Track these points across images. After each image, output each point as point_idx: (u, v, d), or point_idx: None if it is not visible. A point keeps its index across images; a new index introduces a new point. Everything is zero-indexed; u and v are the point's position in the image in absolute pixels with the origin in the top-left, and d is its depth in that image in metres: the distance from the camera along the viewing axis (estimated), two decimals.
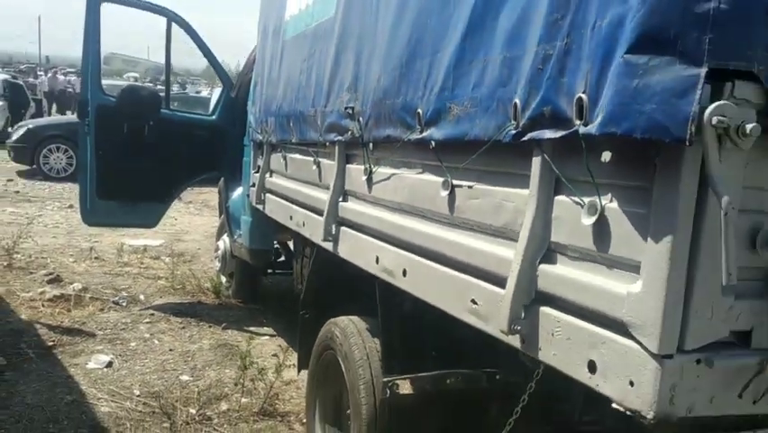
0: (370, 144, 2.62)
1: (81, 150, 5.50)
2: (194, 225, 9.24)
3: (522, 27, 1.65)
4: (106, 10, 5.23)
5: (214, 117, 5.92)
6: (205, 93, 24.67)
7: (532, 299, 1.64)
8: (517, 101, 1.62)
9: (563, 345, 1.54)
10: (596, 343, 1.43)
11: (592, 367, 1.44)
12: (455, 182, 2.00)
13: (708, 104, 1.19)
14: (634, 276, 1.35)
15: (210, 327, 5.13)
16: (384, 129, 2.41)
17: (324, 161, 3.22)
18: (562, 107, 1.47)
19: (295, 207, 3.64)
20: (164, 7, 5.71)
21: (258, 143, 4.49)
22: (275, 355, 4.27)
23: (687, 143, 1.19)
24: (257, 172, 4.49)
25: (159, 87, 14.96)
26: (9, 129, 15.61)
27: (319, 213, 3.09)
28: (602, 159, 1.43)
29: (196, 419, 3.66)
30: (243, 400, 3.89)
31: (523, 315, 1.65)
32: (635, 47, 1.27)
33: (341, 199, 2.96)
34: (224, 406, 3.85)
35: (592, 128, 1.36)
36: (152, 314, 5.35)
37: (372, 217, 2.61)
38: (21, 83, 21.16)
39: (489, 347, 2.00)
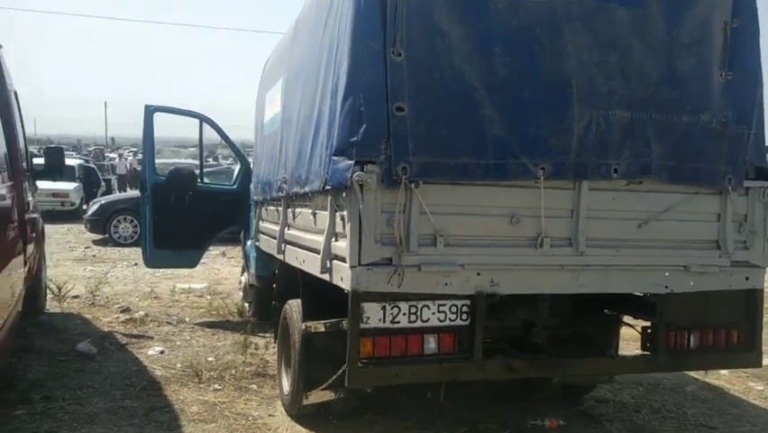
0: (291, 196, 4.85)
1: (141, 215, 7.87)
2: (232, 273, 11.51)
3: (301, 145, 3.89)
4: (158, 116, 7.68)
5: (235, 186, 8.25)
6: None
7: (329, 258, 3.79)
8: (304, 176, 3.91)
9: (334, 271, 3.68)
10: (335, 265, 3.57)
11: (330, 273, 3.58)
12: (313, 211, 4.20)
13: (354, 173, 3.35)
14: (345, 240, 3.49)
15: (232, 333, 7.30)
16: (292, 188, 4.63)
17: (278, 207, 5.45)
18: (312, 178, 3.71)
19: (269, 238, 5.86)
20: (197, 112, 8.14)
21: (255, 202, 6.78)
22: (267, 341, 6.43)
23: (348, 187, 3.36)
24: (256, 221, 6.77)
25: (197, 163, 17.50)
26: (84, 206, 18.48)
27: (276, 238, 5.30)
28: (342, 194, 3.58)
29: (215, 376, 5.80)
30: (246, 368, 6.03)
31: (328, 265, 3.80)
32: (335, 152, 3.46)
33: (286, 229, 5.16)
34: (233, 372, 5.98)
35: (327, 185, 3.54)
36: (193, 327, 7.58)
37: (295, 236, 4.79)
38: (93, 166, 24.44)
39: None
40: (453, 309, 3.66)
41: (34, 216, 6.96)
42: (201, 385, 5.59)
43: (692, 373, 6.38)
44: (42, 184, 16.62)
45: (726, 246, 4.05)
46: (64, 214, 19.05)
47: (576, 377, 4.76)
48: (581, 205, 3.77)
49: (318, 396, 4.41)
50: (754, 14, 4.11)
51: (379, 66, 3.41)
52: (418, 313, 3.60)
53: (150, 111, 7.63)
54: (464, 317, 3.69)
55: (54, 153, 7.41)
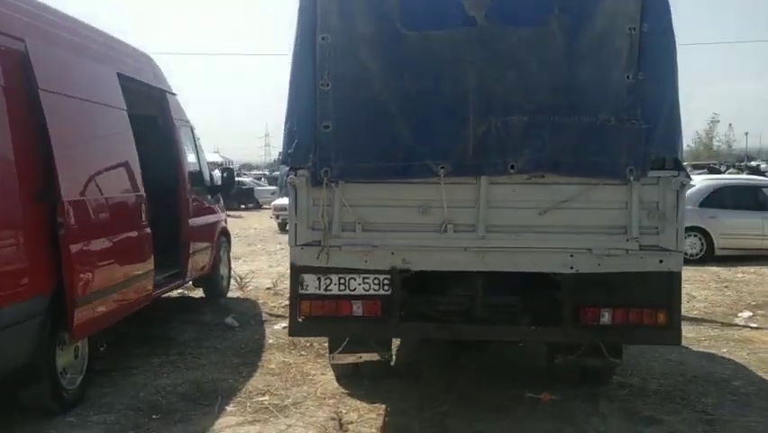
0: None
1: None
2: None
3: None
4: None
5: None
6: None
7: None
8: None
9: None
10: (292, 248, 4.77)
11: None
12: None
13: (288, 176, 4.56)
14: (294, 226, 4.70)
15: None
16: None
17: None
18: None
19: None
20: None
21: None
22: None
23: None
24: None
25: None
26: None
27: None
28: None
29: (307, 345, 7.21)
30: None
31: None
32: (281, 162, 4.70)
33: None
34: (324, 342, 7.35)
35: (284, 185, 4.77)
36: None
37: None
38: None
39: None
40: (376, 282, 4.66)
41: (209, 222, 9.07)
42: (293, 351, 7.06)
43: (748, 368, 6.34)
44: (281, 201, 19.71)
45: (632, 231, 4.45)
46: None
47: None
48: (481, 197, 4.52)
49: (340, 358, 5.57)
50: (665, 18, 4.48)
51: (310, 96, 4.57)
52: (347, 283, 4.67)
53: None
54: (386, 288, 4.66)
55: (228, 172, 9.55)
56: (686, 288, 10.61)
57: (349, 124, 4.57)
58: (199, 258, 8.58)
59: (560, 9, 4.49)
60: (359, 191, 4.63)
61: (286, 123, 4.67)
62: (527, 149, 4.46)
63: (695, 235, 13.38)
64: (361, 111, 4.59)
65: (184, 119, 8.63)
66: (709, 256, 13.28)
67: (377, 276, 4.68)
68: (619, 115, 4.42)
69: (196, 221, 8.40)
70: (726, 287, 10.83)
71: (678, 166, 4.53)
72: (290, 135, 4.61)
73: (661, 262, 4.52)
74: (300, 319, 4.76)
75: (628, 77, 4.44)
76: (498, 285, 4.96)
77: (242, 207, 32.44)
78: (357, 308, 4.71)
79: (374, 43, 4.58)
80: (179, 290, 9.85)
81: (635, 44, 4.44)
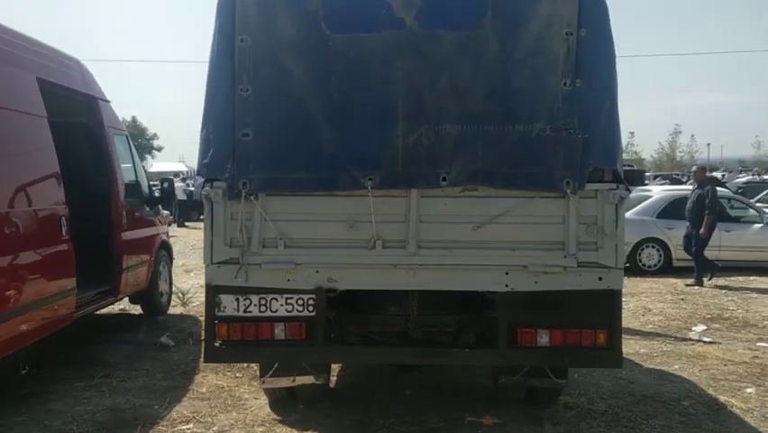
0: None
1: None
2: None
3: None
4: None
5: None
6: None
7: None
8: None
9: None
10: (208, 266, 4.39)
11: None
12: None
13: (204, 188, 4.20)
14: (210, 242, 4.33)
15: None
16: None
17: None
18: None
19: None
20: None
21: None
22: None
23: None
24: None
25: None
26: None
27: None
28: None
29: (244, 367, 6.84)
30: None
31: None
32: (196, 173, 4.34)
33: None
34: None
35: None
36: None
37: None
38: None
39: None
40: (300, 302, 4.32)
41: (147, 235, 8.64)
42: (228, 373, 6.67)
43: (699, 387, 6.14)
44: None
45: (569, 247, 4.18)
46: None
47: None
48: (411, 210, 4.21)
49: (272, 381, 5.20)
50: (603, 23, 4.23)
51: (227, 101, 4.23)
52: (268, 304, 4.32)
53: None
54: (311, 308, 4.32)
55: (167, 183, 9.13)
56: (642, 300, 10.54)
57: (270, 132, 4.24)
58: (135, 273, 8.14)
59: (494, 12, 4.21)
60: (281, 205, 4.29)
61: (201, 130, 4.31)
62: (460, 159, 4.17)
63: (653, 247, 13.30)
64: (283, 118, 4.25)
65: (118, 127, 8.22)
66: (667, 267, 13.18)
67: (301, 296, 4.34)
68: (555, 123, 4.14)
69: (130, 234, 7.97)
70: (683, 299, 10.69)
71: (617, 178, 4.26)
72: (206, 144, 4.26)
73: (600, 279, 4.25)
74: (217, 344, 4.39)
75: (565, 84, 4.18)
76: (434, 304, 4.66)
77: (201, 217, 31.71)
78: (279, 331, 4.36)
79: (297, 46, 4.26)
80: (119, 307, 9.43)
81: (572, 50, 4.17)
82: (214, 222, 4.24)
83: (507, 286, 4.27)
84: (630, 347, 7.56)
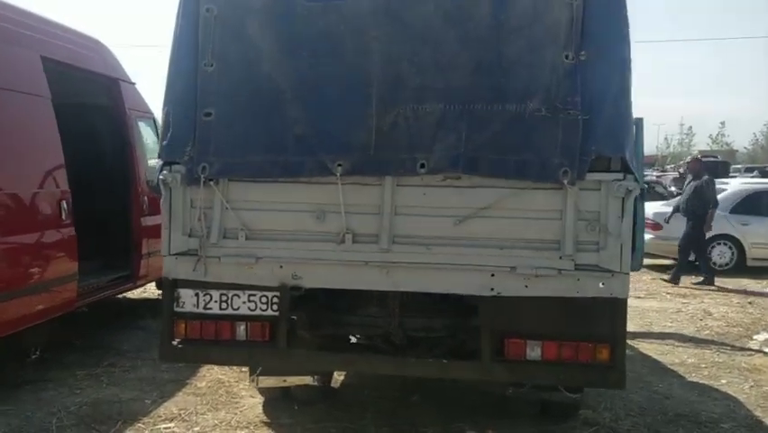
0: None
1: None
2: None
3: None
4: None
5: None
6: None
7: None
8: None
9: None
10: (166, 258, 4.02)
11: None
12: None
13: (162, 172, 3.84)
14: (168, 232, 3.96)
15: None
16: None
17: None
18: None
19: None
20: None
21: None
22: None
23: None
24: None
25: None
26: None
27: None
28: None
29: None
30: None
31: None
32: (157, 156, 3.98)
33: None
34: None
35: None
36: None
37: None
38: None
39: None
40: (264, 300, 3.90)
41: None
42: (233, 367, 6.36)
43: (745, 406, 5.41)
44: None
45: (566, 247, 3.59)
46: None
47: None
48: (385, 201, 3.72)
49: (263, 381, 4.84)
50: None
51: (189, 78, 3.85)
52: (229, 301, 3.93)
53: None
54: (274, 307, 3.90)
55: None
56: (704, 302, 9.66)
57: (234, 111, 3.83)
58: (158, 259, 7.94)
59: None
60: (243, 192, 3.88)
61: (162, 109, 3.95)
62: (441, 144, 3.63)
63: (725, 244, 12.26)
64: (249, 96, 3.83)
65: (143, 110, 8.00)
66: (741, 267, 12.13)
67: (264, 293, 3.93)
68: (553, 103, 3.54)
69: (152, 220, 7.76)
70: (750, 303, 9.73)
71: (625, 168, 3.62)
72: (166, 124, 3.90)
73: (602, 285, 3.63)
74: (175, 342, 4.03)
75: (567, 57, 3.57)
76: (420, 305, 4.17)
77: None
78: (240, 331, 3.97)
79: (267, 16, 3.83)
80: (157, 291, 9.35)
81: (576, 16, 3.56)
82: (173, 209, 3.88)
83: (492, 290, 3.72)
84: (677, 356, 6.85)
